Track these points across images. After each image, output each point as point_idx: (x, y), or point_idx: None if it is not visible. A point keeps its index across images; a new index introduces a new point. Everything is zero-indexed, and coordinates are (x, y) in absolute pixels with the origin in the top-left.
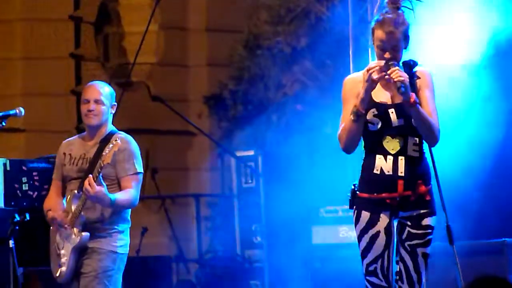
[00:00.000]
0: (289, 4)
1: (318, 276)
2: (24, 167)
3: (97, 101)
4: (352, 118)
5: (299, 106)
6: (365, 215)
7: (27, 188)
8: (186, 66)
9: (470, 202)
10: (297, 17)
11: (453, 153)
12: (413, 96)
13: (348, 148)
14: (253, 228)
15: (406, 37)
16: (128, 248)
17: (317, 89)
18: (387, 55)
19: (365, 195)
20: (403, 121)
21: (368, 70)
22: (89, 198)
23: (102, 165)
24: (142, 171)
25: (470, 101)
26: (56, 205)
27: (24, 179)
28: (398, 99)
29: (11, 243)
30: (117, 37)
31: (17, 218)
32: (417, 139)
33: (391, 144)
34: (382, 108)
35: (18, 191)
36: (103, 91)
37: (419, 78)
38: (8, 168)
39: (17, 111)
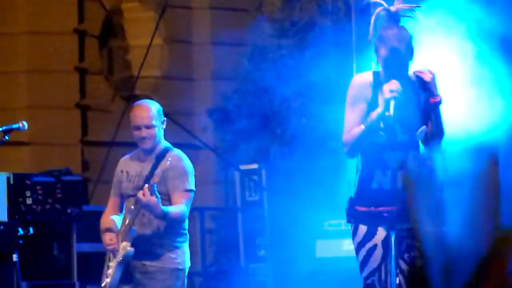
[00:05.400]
0: (293, 17)
1: None
2: (28, 181)
3: (148, 126)
4: (364, 128)
5: (303, 119)
6: (362, 228)
7: (31, 202)
8: (191, 79)
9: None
10: (302, 30)
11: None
12: (438, 96)
13: (354, 153)
14: (257, 242)
15: (410, 50)
16: (189, 262)
17: (322, 102)
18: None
19: (362, 208)
20: (408, 137)
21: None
22: (142, 206)
23: (152, 183)
24: (194, 189)
25: None
26: (111, 222)
27: (28, 193)
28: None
29: (14, 257)
30: (122, 51)
31: (21, 232)
32: (417, 153)
33: (392, 158)
34: (388, 122)
35: (22, 205)
36: (151, 114)
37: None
38: (12, 182)
39: (20, 125)
